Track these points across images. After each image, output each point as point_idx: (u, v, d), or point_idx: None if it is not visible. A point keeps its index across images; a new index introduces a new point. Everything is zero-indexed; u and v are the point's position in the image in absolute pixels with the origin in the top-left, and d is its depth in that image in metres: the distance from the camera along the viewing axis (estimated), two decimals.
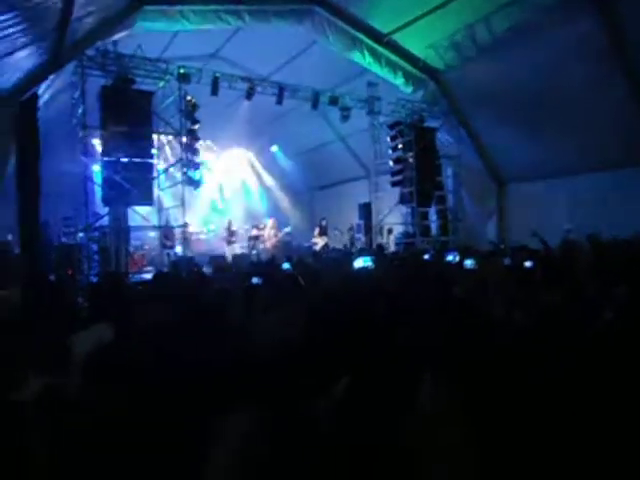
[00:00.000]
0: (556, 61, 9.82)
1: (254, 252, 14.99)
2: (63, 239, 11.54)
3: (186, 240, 13.54)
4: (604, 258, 5.48)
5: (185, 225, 10.92)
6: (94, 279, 9.01)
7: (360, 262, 6.41)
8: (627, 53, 9.07)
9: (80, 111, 9.50)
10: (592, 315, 2.20)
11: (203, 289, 4.60)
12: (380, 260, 6.29)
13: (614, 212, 9.90)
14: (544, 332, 1.84)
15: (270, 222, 16.49)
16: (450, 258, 7.49)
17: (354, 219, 16.14)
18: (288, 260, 8.35)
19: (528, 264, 4.68)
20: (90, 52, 9.24)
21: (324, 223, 15.79)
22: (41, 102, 9.01)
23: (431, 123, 14.11)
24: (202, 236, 16.47)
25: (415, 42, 11.92)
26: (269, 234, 15.82)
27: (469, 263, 4.84)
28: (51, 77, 8.52)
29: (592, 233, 7.85)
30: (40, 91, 8.61)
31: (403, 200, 14.12)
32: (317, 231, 15.60)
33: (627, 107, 9.59)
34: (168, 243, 11.83)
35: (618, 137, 9.99)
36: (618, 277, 3.53)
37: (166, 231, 11.62)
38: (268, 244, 15.61)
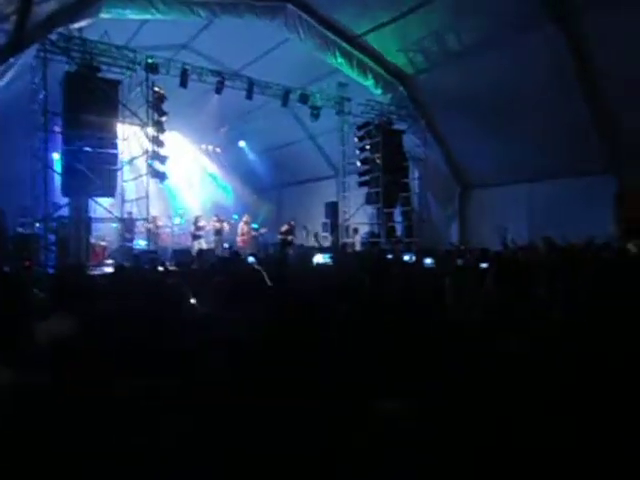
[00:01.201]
0: (519, 69, 10.21)
1: (225, 246, 14.82)
2: (19, 229, 11.10)
3: (151, 233, 13.29)
4: (557, 259, 5.75)
5: (148, 218, 10.70)
6: (51, 271, 8.74)
7: (319, 258, 6.50)
8: (584, 63, 9.50)
9: (41, 97, 9.18)
10: (540, 313, 2.34)
11: (163, 283, 4.55)
12: (340, 257, 6.39)
13: (571, 218, 10.33)
14: (489, 328, 1.96)
15: (245, 217, 16.34)
16: (407, 258, 7.70)
17: (321, 217, 16.22)
18: (252, 255, 8.34)
19: (484, 265, 4.87)
20: (53, 36, 8.93)
21: (292, 223, 15.78)
22: None
23: (399, 125, 14.35)
24: (167, 230, 16.19)
25: (386, 45, 12.12)
26: (242, 229, 15.69)
27: (428, 262, 5.00)
28: (10, 60, 8.18)
29: (546, 236, 8.20)
30: None
31: (369, 200, 14.31)
32: (285, 228, 15.59)
33: (584, 117, 10.05)
34: (128, 236, 11.55)
35: (575, 146, 10.44)
36: (570, 277, 3.74)
37: (127, 223, 11.34)
38: (240, 240, 15.48)
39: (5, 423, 1.54)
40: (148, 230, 13.04)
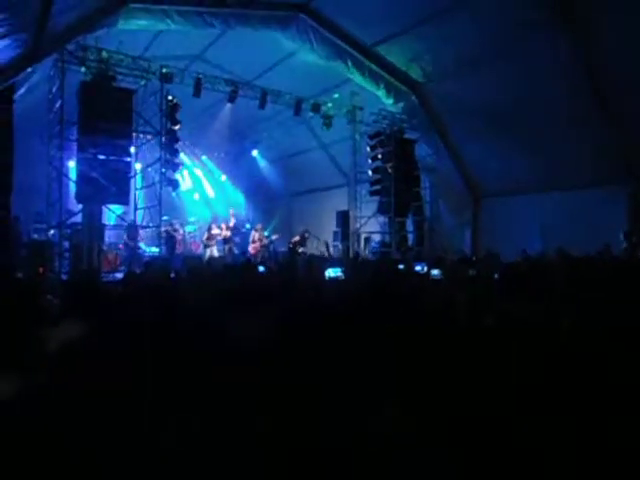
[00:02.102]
0: (532, 77, 10.14)
1: (235, 252, 14.88)
2: (34, 235, 11.26)
3: (171, 240, 13.39)
4: (572, 270, 5.65)
5: (160, 225, 10.77)
6: (65, 277, 8.82)
7: (330, 272, 6.42)
8: (600, 70, 9.40)
9: (57, 105, 9.34)
10: (554, 321, 2.29)
11: (175, 290, 4.57)
12: (351, 271, 6.31)
13: (585, 229, 10.20)
14: (504, 336, 1.92)
15: (258, 226, 16.40)
16: (418, 268, 7.62)
17: (332, 226, 16.20)
18: (262, 264, 8.34)
19: (495, 275, 4.81)
20: (71, 47, 9.10)
21: (307, 235, 15.73)
22: (17, 95, 8.82)
23: (411, 135, 14.33)
24: (179, 237, 16.30)
25: (398, 55, 12.13)
26: (254, 237, 15.73)
27: (436, 273, 4.92)
28: (29, 70, 8.35)
29: (560, 247, 8.09)
30: (17, 83, 8.43)
31: (381, 209, 14.27)
32: (296, 239, 15.56)
33: (597, 126, 9.94)
34: (131, 243, 11.60)
35: (589, 155, 10.33)
36: (586, 287, 3.66)
37: (129, 230, 11.38)
38: (252, 247, 15.51)
39: (12, 426, 1.54)
40: (169, 236, 13.15)
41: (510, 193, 12.88)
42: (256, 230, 15.88)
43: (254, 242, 15.50)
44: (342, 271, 6.42)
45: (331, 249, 14.18)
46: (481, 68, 10.79)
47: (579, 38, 9.12)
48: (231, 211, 16.38)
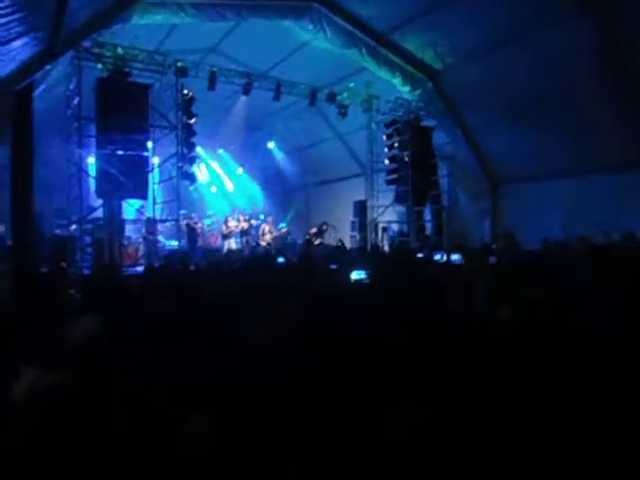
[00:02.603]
0: (552, 62, 9.87)
1: (252, 245, 14.97)
2: (56, 231, 11.47)
3: (192, 233, 13.52)
4: (595, 259, 5.51)
5: (178, 219, 10.86)
6: (87, 271, 8.98)
7: (355, 275, 6.28)
8: (623, 55, 9.12)
9: (75, 102, 9.45)
10: (580, 311, 2.22)
11: (196, 283, 4.61)
12: (375, 270, 6.15)
13: (606, 215, 9.94)
14: (527, 327, 1.87)
15: (269, 219, 16.45)
16: (438, 257, 7.53)
17: (349, 216, 16.13)
18: (282, 255, 8.36)
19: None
20: (87, 43, 9.18)
21: (325, 227, 15.68)
22: (36, 93, 8.94)
23: (428, 122, 14.14)
24: (199, 230, 16.42)
25: (414, 41, 11.94)
26: (264, 229, 15.79)
27: (456, 258, 4.81)
28: (47, 68, 8.45)
29: (582, 236, 7.90)
30: (36, 82, 8.54)
31: (398, 199, 14.15)
32: (314, 230, 15.53)
33: (622, 110, 9.65)
34: (150, 237, 11.72)
35: (613, 140, 10.05)
36: (611, 277, 3.56)
37: (148, 224, 11.50)
38: (262, 240, 15.59)
39: (31, 420, 1.56)
40: (190, 229, 13.27)
41: (529, 179, 12.62)
42: (267, 223, 15.92)
43: (264, 235, 15.56)
44: (366, 273, 6.21)
45: (344, 244, 13.98)
46: (499, 53, 10.54)
47: (601, 22, 8.84)
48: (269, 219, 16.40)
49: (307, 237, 15.21)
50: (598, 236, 7.84)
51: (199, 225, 14.87)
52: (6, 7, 5.50)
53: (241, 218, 15.67)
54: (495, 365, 1.76)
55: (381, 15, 11.33)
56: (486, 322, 2.21)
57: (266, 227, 15.74)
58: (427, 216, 14.83)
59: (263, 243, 15.20)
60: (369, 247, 13.78)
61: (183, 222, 13.38)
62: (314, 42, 12.23)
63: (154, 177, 11.05)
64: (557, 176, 11.76)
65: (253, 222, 15.97)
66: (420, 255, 8.94)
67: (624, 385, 1.58)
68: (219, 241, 15.37)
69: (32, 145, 8.47)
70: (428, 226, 14.83)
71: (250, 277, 4.60)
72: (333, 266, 6.07)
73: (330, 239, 15.88)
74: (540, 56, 9.90)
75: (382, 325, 2.45)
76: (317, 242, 15.16)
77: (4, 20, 5.71)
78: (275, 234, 16.09)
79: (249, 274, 5.08)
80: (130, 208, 11.15)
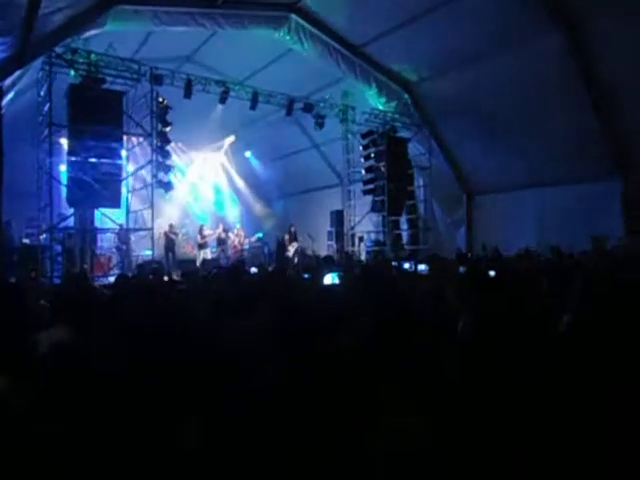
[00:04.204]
0: (524, 75, 10.19)
1: (222, 256, 14.86)
2: (25, 240, 11.17)
3: (170, 242, 13.32)
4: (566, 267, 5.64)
5: (152, 228, 10.68)
6: (57, 281, 8.75)
7: (329, 278, 6.30)
8: (592, 68, 9.45)
9: (46, 109, 9.25)
10: (544, 319, 2.27)
11: (168, 291, 4.53)
12: (347, 275, 6.17)
13: (580, 224, 10.23)
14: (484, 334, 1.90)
15: (236, 230, 16.40)
16: (407, 266, 7.60)
17: (326, 226, 16.19)
18: (257, 266, 8.31)
19: (492, 273, 4.80)
20: (59, 49, 9.02)
21: (293, 229, 15.77)
22: (6, 98, 8.73)
23: (404, 133, 14.34)
24: (175, 239, 16.21)
25: (389, 53, 12.14)
26: (233, 241, 15.72)
27: (422, 269, 4.84)
28: (17, 73, 8.27)
29: (554, 246, 8.12)
30: (5, 87, 8.34)
31: (375, 208, 14.27)
32: (287, 237, 15.55)
33: (590, 122, 9.98)
34: (123, 247, 11.49)
35: (582, 151, 10.37)
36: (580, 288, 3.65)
37: (120, 234, 11.28)
38: (232, 252, 15.51)
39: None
40: (168, 239, 13.06)
41: (504, 190, 12.93)
42: (235, 235, 15.87)
43: (234, 246, 15.52)
44: (339, 276, 6.24)
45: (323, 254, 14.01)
46: (472, 67, 10.83)
47: (573, 37, 9.16)
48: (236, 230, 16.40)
49: (280, 242, 15.22)
50: (569, 246, 8.06)
51: (176, 234, 14.70)
52: None
53: (219, 227, 15.57)
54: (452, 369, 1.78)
55: (357, 27, 11.51)
56: (452, 327, 2.24)
57: (235, 239, 15.67)
58: (403, 225, 14.99)
59: (236, 254, 15.12)
60: (342, 255, 13.85)
61: (160, 231, 13.18)
62: (291, 52, 12.32)
63: (128, 185, 10.87)
64: (530, 186, 12.07)
65: (229, 232, 15.90)
66: (394, 263, 9.00)
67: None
68: (195, 250, 15.20)
69: (1, 152, 8.26)
70: (404, 235, 14.98)
71: (220, 288, 4.55)
72: (306, 275, 6.07)
73: (306, 247, 15.92)
74: (512, 69, 10.21)
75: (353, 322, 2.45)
76: (294, 249, 15.16)
77: None
78: (248, 244, 16.06)
79: (219, 285, 5.02)
80: (104, 217, 10.92)
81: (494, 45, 10.10)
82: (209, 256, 14.50)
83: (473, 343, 1.87)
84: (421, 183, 14.79)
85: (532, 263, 6.58)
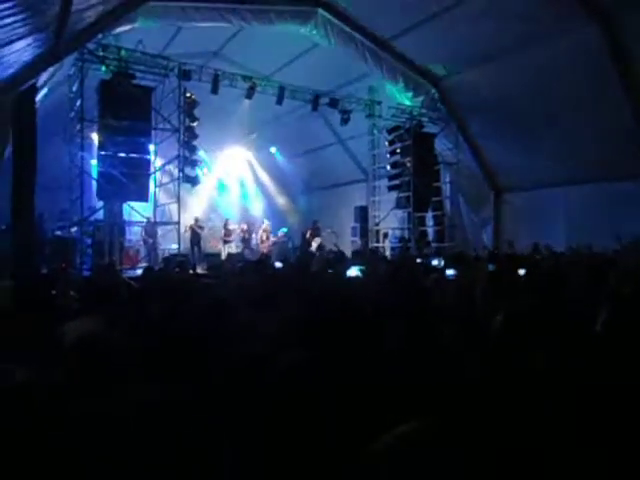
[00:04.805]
0: (556, 70, 9.87)
1: (247, 251, 14.98)
2: (58, 232, 11.49)
3: (196, 237, 13.52)
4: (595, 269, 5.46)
5: (179, 222, 10.84)
6: (87, 273, 8.97)
7: (353, 271, 6.29)
8: (626, 63, 9.11)
9: (78, 104, 9.47)
10: (578, 318, 2.19)
11: (192, 285, 4.58)
12: (371, 269, 6.14)
13: (611, 223, 9.86)
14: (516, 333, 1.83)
15: (264, 225, 16.50)
16: (435, 263, 7.47)
17: (350, 222, 16.13)
18: (282, 261, 8.34)
19: (521, 272, 4.68)
20: (91, 46, 9.22)
21: (317, 225, 15.77)
22: (40, 94, 8.97)
23: (431, 129, 14.14)
24: (201, 234, 16.42)
25: (417, 48, 11.95)
26: (261, 237, 15.81)
27: (450, 273, 4.69)
28: (51, 69, 8.48)
29: (587, 245, 7.85)
30: (39, 83, 8.56)
31: (400, 204, 14.13)
32: (309, 233, 15.56)
33: (623, 118, 9.62)
34: (149, 240, 11.70)
35: (615, 148, 10.01)
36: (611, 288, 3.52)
37: (147, 227, 11.48)
38: (262, 248, 15.62)
39: (17, 423, 1.53)
40: (194, 233, 13.26)
41: (532, 187, 12.60)
42: (263, 230, 15.95)
43: (262, 242, 15.59)
44: (361, 270, 6.24)
45: (338, 247, 13.94)
46: (503, 60, 10.54)
47: (607, 31, 8.83)
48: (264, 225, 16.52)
49: (307, 241, 15.23)
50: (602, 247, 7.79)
51: (201, 228, 14.88)
52: (10, 8, 5.52)
53: (243, 224, 15.70)
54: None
55: (385, 21, 11.36)
56: (485, 324, 2.18)
57: (263, 234, 15.76)
58: (429, 222, 14.80)
59: (264, 250, 15.21)
60: (367, 250, 13.77)
61: (186, 225, 13.37)
62: (317, 47, 12.27)
63: (155, 179, 11.05)
64: (561, 184, 11.71)
65: (253, 227, 16.02)
66: (418, 260, 8.89)
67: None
68: (219, 245, 15.36)
69: (35, 146, 8.49)
70: (430, 232, 14.80)
71: (246, 282, 4.57)
72: (330, 271, 6.06)
73: (329, 243, 15.89)
74: (544, 63, 9.91)
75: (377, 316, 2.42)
76: (316, 242, 15.16)
77: (8, 21, 5.73)
78: (273, 239, 16.12)
79: (245, 279, 5.05)
80: (133, 211, 11.14)
81: (525, 39, 9.79)
82: (234, 250, 14.63)
83: (505, 343, 1.82)
84: (447, 179, 14.57)
85: (564, 261, 6.39)
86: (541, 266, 5.74)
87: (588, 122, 10.13)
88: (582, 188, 11.23)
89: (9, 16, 5.59)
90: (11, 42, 6.24)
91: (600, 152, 10.31)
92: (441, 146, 14.21)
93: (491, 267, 5.42)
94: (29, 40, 6.57)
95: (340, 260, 7.36)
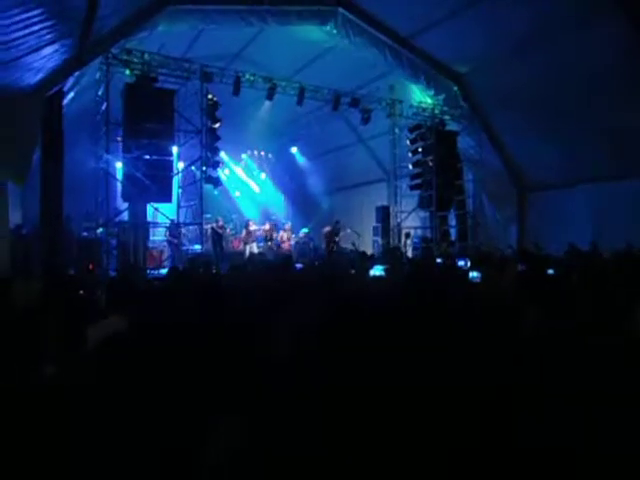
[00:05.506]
0: (583, 63, 9.58)
1: (269, 251, 15.04)
2: (84, 234, 11.73)
3: (218, 237, 13.66)
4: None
5: (202, 223, 10.96)
6: (112, 273, 9.13)
7: (374, 272, 6.23)
8: None
9: (103, 108, 9.65)
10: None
11: (217, 286, 4.61)
12: (393, 269, 6.07)
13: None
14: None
15: (287, 225, 16.56)
16: (462, 264, 7.34)
17: (372, 221, 16.04)
18: (302, 261, 8.33)
19: (550, 271, 4.54)
20: (115, 50, 9.39)
21: (338, 225, 15.71)
22: (67, 99, 9.19)
23: (453, 127, 13.96)
24: (222, 234, 16.56)
25: (438, 44, 11.81)
26: (282, 237, 15.86)
27: (475, 275, 4.54)
28: (77, 74, 8.68)
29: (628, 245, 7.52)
30: (66, 88, 8.78)
31: (422, 204, 13.99)
32: (328, 229, 15.50)
33: None
34: (174, 241, 11.85)
35: None
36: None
37: (171, 228, 11.63)
38: (283, 247, 15.67)
39: (46, 420, 1.56)
40: (215, 234, 13.40)
41: (558, 185, 12.28)
42: (284, 230, 15.99)
43: (283, 242, 15.62)
44: (384, 269, 6.18)
45: (358, 247, 13.85)
46: (527, 55, 10.31)
47: (635, 21, 8.54)
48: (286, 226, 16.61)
49: (327, 239, 15.18)
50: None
51: (223, 229, 15.00)
52: (38, 15, 5.66)
53: (266, 223, 15.79)
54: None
55: (406, 19, 11.25)
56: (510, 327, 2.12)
57: (284, 234, 15.81)
58: (451, 221, 14.60)
59: (285, 249, 15.26)
60: (388, 247, 13.65)
61: (207, 226, 13.50)
62: (337, 47, 12.23)
63: (178, 180, 11.19)
64: (588, 182, 11.36)
65: (279, 229, 16.12)
66: (439, 260, 8.75)
67: None
68: (241, 245, 15.47)
69: (62, 150, 8.70)
70: (452, 232, 14.60)
71: (268, 282, 4.57)
72: (352, 271, 6.03)
73: (348, 243, 15.81)
74: (571, 57, 9.64)
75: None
76: (335, 240, 15.13)
77: (36, 28, 5.88)
78: (295, 240, 16.15)
79: (268, 279, 5.05)
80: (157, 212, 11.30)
81: (551, 32, 9.55)
82: (255, 250, 14.70)
83: (537, 346, 1.76)
84: (470, 178, 14.36)
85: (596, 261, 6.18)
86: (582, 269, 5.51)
87: (619, 119, 9.78)
88: (610, 186, 10.83)
89: (37, 23, 5.74)
90: (39, 48, 6.40)
91: (629, 148, 9.98)
92: (464, 144, 14.01)
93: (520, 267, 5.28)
94: (56, 46, 6.72)
95: (362, 260, 7.32)
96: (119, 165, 10.77)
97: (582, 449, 1.32)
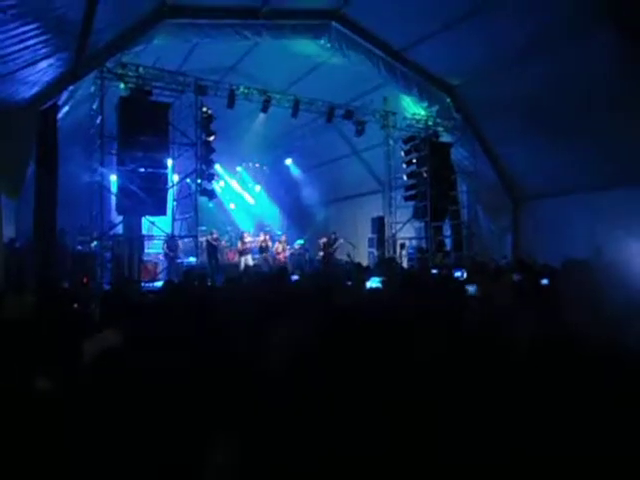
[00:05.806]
0: (574, 73, 9.69)
1: (264, 263, 15.02)
2: (78, 247, 11.67)
3: (213, 249, 13.61)
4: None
5: (197, 235, 10.94)
6: (106, 287, 9.07)
7: (370, 284, 6.21)
8: None
9: (98, 121, 9.67)
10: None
11: (212, 299, 4.58)
12: (390, 280, 6.05)
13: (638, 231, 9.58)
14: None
15: (282, 237, 16.57)
16: (458, 274, 7.36)
17: (367, 233, 16.07)
18: (298, 273, 8.31)
19: (545, 281, 4.55)
20: (110, 64, 9.43)
21: (333, 237, 15.73)
22: (61, 112, 9.20)
23: (446, 138, 14.08)
24: (217, 246, 16.52)
25: (431, 58, 11.95)
26: (277, 248, 15.85)
27: (472, 290, 4.54)
28: (71, 88, 8.70)
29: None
30: (60, 101, 8.79)
31: (417, 214, 14.04)
32: (324, 240, 15.54)
33: None
34: (171, 254, 11.81)
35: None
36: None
37: (168, 241, 11.59)
38: (278, 258, 15.65)
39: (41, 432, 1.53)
40: (210, 246, 13.35)
41: (552, 195, 12.36)
42: (279, 242, 15.99)
43: (278, 254, 15.61)
44: (381, 281, 6.15)
45: (353, 259, 13.83)
46: (518, 66, 10.44)
47: (625, 28, 8.66)
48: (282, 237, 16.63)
49: (322, 251, 15.20)
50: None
51: (220, 242, 14.97)
52: (33, 30, 5.69)
53: (261, 234, 15.77)
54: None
55: (399, 32, 11.39)
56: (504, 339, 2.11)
57: (279, 246, 15.80)
58: (446, 232, 14.66)
59: (280, 261, 15.23)
60: (384, 258, 13.65)
61: (202, 239, 13.48)
62: (331, 60, 12.35)
63: (172, 193, 11.18)
64: (583, 190, 11.41)
65: (274, 241, 16.10)
66: (434, 271, 8.76)
67: None
68: (236, 257, 15.43)
69: (56, 163, 8.69)
70: (447, 242, 14.65)
71: (263, 294, 4.55)
72: (349, 283, 6.02)
73: (343, 254, 15.82)
74: (561, 67, 9.76)
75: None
76: (331, 250, 15.15)
77: (31, 42, 5.90)
78: (290, 251, 16.14)
79: (263, 291, 5.03)
80: (151, 225, 11.28)
81: (541, 43, 9.67)
82: (251, 262, 14.67)
83: (533, 362, 1.75)
84: (464, 188, 14.44)
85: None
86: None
87: (608, 125, 9.88)
88: (606, 194, 10.81)
89: (33, 37, 5.76)
90: (35, 62, 6.43)
91: (621, 157, 10.07)
92: (457, 155, 14.12)
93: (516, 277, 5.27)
94: (52, 60, 6.75)
95: (358, 271, 7.31)
96: (114, 178, 10.76)
97: (586, 456, 1.31)
